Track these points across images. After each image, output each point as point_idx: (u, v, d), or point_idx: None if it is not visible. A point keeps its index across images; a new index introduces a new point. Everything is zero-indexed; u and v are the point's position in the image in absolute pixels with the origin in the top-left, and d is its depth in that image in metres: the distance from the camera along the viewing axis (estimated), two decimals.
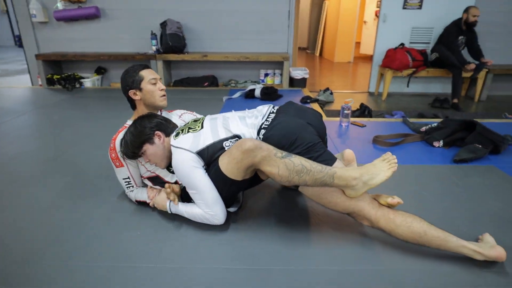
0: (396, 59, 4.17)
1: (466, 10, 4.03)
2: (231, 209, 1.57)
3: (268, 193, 1.81)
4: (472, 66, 4.05)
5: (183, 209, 1.50)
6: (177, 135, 1.48)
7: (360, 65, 7.74)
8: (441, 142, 2.39)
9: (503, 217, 1.57)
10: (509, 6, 4.35)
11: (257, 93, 3.84)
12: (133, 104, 1.70)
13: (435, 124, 2.53)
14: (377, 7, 8.21)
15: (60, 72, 4.70)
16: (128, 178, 1.64)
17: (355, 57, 8.39)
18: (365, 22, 8.60)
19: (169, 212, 1.54)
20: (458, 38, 4.14)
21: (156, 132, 1.50)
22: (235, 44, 4.60)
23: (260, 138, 1.43)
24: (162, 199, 1.55)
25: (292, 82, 4.59)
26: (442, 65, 4.20)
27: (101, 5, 4.42)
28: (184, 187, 1.52)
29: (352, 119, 3.03)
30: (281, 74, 4.60)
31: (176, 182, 1.62)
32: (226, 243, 1.41)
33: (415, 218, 1.29)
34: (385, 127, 2.94)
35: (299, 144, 1.38)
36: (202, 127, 1.49)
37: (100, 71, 4.68)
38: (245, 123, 1.48)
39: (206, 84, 4.46)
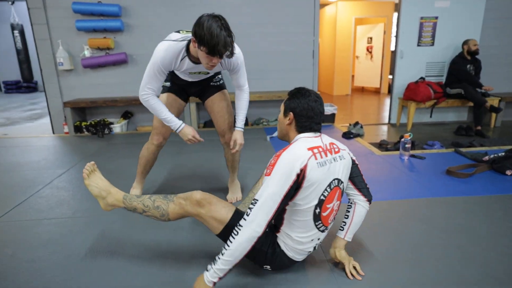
0: (420, 92, 4.43)
1: (466, 43, 4.43)
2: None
3: None
4: (488, 104, 4.34)
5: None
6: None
7: (360, 97, 8.11)
8: None
9: None
10: (508, 38, 4.83)
11: None
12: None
13: (502, 153, 2.69)
14: (368, 43, 8.81)
15: (83, 118, 4.58)
16: None
17: (351, 89, 8.81)
18: (357, 57, 9.14)
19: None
20: (467, 67, 4.49)
21: None
22: (262, 83, 4.72)
23: None
24: None
25: None
26: (460, 97, 4.50)
27: (129, 51, 4.45)
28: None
29: (411, 152, 3.15)
30: None
31: None
32: None
33: None
34: (442, 158, 3.08)
35: None
36: None
37: (127, 115, 4.61)
38: None
39: None
